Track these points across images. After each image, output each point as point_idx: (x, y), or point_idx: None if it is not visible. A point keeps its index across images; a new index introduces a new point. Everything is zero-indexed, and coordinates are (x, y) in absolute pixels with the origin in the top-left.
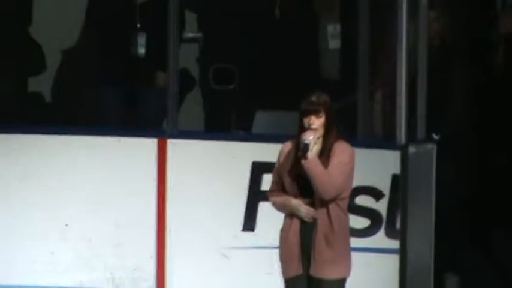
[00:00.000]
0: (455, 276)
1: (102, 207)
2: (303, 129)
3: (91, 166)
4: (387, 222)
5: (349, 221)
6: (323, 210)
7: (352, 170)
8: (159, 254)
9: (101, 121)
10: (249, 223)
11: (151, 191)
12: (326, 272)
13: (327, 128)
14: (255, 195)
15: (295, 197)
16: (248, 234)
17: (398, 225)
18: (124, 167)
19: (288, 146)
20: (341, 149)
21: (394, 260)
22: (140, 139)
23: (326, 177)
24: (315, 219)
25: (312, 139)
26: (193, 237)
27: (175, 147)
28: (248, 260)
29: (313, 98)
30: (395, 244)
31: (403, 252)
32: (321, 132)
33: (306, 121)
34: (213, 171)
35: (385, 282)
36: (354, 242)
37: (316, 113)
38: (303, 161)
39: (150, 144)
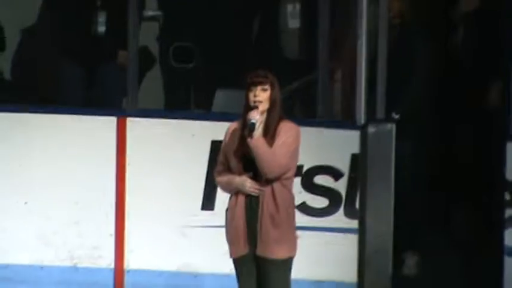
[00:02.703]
0: (414, 255)
1: (62, 185)
2: (248, 107)
3: (51, 144)
4: (346, 201)
5: (308, 201)
6: (268, 190)
7: (296, 150)
8: (118, 232)
9: (61, 100)
10: (208, 202)
11: (111, 170)
12: (273, 251)
13: (272, 103)
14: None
15: (240, 175)
16: (207, 213)
17: (357, 204)
18: (84, 145)
19: (234, 125)
20: (286, 129)
21: (353, 240)
22: (100, 117)
23: (271, 157)
24: (259, 199)
25: (259, 118)
26: (152, 215)
27: (135, 125)
28: (207, 238)
29: (260, 72)
30: (354, 224)
31: (362, 232)
32: (265, 106)
33: (251, 94)
34: (172, 150)
35: (344, 262)
36: (313, 221)
37: (262, 84)
38: (248, 140)
39: (109, 122)
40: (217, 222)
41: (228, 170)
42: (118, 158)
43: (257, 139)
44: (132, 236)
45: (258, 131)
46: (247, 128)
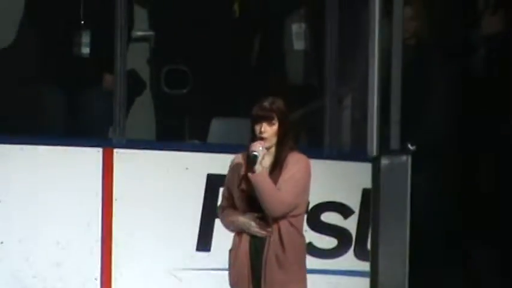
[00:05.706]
0: None
1: (42, 223)
2: (254, 138)
3: (30, 178)
4: (357, 241)
5: (315, 241)
6: (274, 229)
7: (307, 184)
8: (103, 276)
9: (41, 129)
10: (204, 242)
11: (96, 206)
12: None
13: (281, 137)
14: (210, 212)
15: (244, 212)
16: (203, 254)
17: (369, 245)
18: (66, 179)
19: (238, 158)
20: (294, 162)
21: (364, 283)
22: (83, 148)
23: (274, 193)
24: (265, 238)
25: (261, 150)
26: (142, 257)
27: (123, 157)
28: (203, 283)
29: (266, 103)
30: (366, 266)
31: (374, 274)
32: (273, 141)
33: (257, 128)
34: (164, 185)
35: None
36: (321, 263)
37: (268, 119)
38: (249, 175)
39: (94, 154)
40: (214, 265)
41: (233, 205)
42: (104, 193)
43: (259, 174)
44: (119, 280)
45: (262, 164)
46: (248, 162)
